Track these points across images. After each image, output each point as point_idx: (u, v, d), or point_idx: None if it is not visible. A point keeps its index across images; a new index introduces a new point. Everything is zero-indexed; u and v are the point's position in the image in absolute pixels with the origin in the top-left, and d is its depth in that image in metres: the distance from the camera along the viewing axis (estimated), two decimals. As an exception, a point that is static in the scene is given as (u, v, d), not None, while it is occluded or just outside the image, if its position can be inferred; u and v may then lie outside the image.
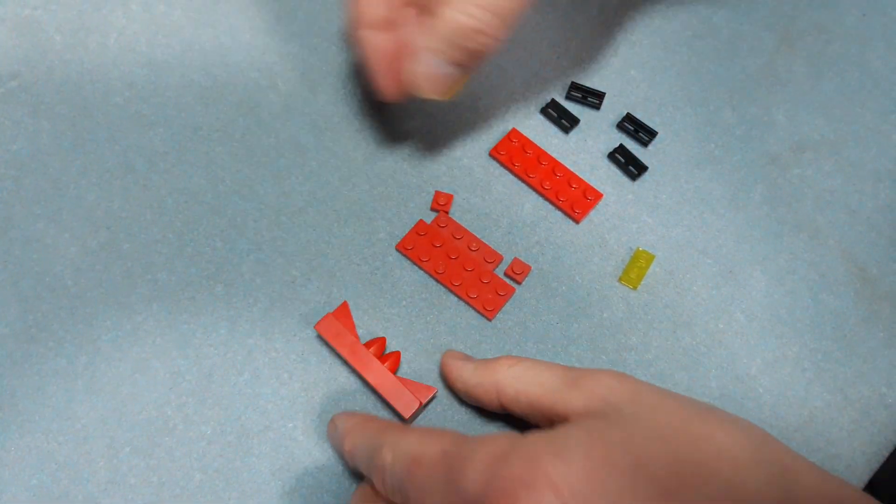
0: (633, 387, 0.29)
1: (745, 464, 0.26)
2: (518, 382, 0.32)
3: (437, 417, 0.36)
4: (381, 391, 0.35)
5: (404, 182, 0.41)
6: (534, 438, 0.26)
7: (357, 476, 0.34)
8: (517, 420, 0.35)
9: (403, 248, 0.39)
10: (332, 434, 0.33)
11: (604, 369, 0.30)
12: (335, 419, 0.33)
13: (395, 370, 0.36)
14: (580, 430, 0.27)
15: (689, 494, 0.25)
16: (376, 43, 0.34)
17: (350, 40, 0.35)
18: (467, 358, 0.35)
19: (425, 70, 0.33)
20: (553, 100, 0.42)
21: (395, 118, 0.42)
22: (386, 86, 0.36)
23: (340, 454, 0.33)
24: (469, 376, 0.34)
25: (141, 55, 0.43)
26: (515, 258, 0.39)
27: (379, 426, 0.31)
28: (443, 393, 0.36)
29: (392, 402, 0.34)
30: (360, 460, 0.31)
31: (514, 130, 0.41)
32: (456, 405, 0.36)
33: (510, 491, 0.24)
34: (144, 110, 0.42)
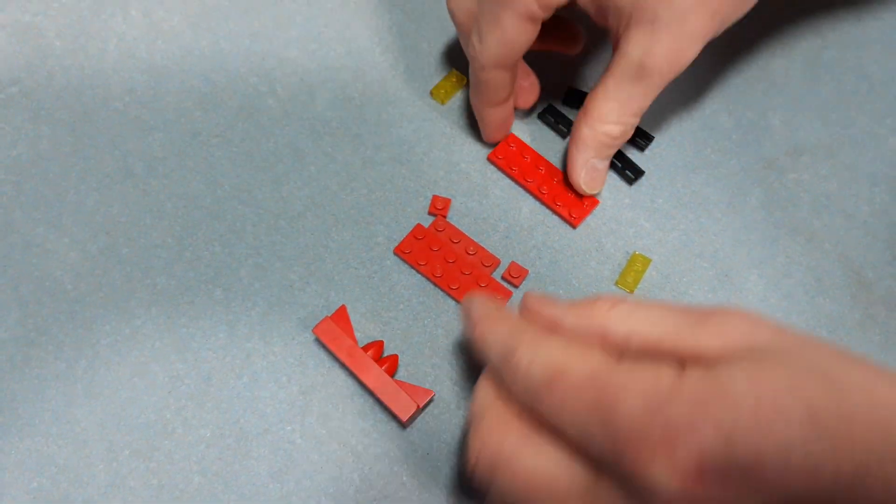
0: (769, 324, 0.26)
1: None
2: (629, 322, 0.28)
3: (435, 420, 0.36)
4: (378, 394, 0.35)
5: (402, 186, 0.41)
6: (697, 378, 0.23)
7: (356, 475, 0.35)
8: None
9: (401, 252, 0.39)
10: (465, 314, 0.32)
11: (726, 307, 0.27)
12: (469, 300, 0.32)
13: (392, 373, 0.36)
14: (744, 373, 0.23)
15: (861, 455, 0.22)
16: (499, 115, 0.40)
17: (477, 111, 0.40)
18: (554, 301, 0.31)
19: (587, 175, 0.39)
20: (550, 105, 0.43)
21: (394, 123, 0.42)
22: (495, 138, 0.41)
23: (466, 333, 0.32)
24: (567, 323, 0.29)
25: (140, 61, 0.44)
26: (513, 262, 0.39)
27: (516, 323, 0.29)
28: (441, 396, 0.36)
29: (390, 405, 0.35)
30: (491, 352, 0.29)
31: (511, 135, 0.41)
32: (453, 408, 0.36)
33: (671, 433, 0.22)
34: (144, 115, 0.42)
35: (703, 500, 0.22)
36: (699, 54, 0.35)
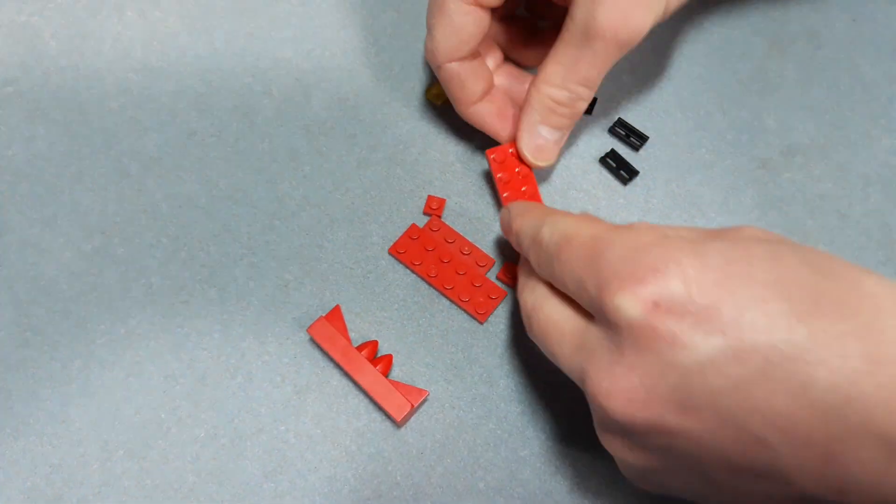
0: (779, 234, 0.28)
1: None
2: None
3: (430, 420, 0.36)
4: (373, 394, 0.35)
5: (397, 186, 0.41)
6: (679, 238, 0.26)
7: (350, 475, 0.35)
8: (521, 412, 0.36)
9: (396, 252, 0.39)
10: (504, 219, 0.35)
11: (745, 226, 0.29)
12: (509, 206, 0.35)
13: (387, 373, 0.36)
14: (726, 242, 0.26)
15: (822, 325, 0.23)
16: (487, 111, 0.39)
17: (462, 115, 0.39)
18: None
19: (530, 140, 0.38)
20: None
21: (388, 123, 0.42)
22: (504, 136, 0.39)
23: (508, 236, 0.35)
24: None
25: (136, 61, 0.44)
26: (507, 262, 0.39)
27: (545, 210, 0.33)
28: (435, 396, 0.36)
29: (384, 405, 0.35)
30: (524, 239, 0.33)
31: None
32: (447, 408, 0.36)
33: (640, 274, 0.25)
34: (139, 116, 0.42)
35: (661, 332, 0.25)
36: (662, 33, 0.36)
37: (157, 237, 0.39)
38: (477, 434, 0.36)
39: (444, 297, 0.38)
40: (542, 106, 0.37)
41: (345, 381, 0.36)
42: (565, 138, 0.39)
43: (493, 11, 0.37)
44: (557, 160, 0.40)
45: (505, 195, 0.39)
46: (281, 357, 0.37)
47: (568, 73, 0.35)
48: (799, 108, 0.44)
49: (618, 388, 0.26)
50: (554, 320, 0.30)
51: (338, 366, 0.36)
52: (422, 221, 0.40)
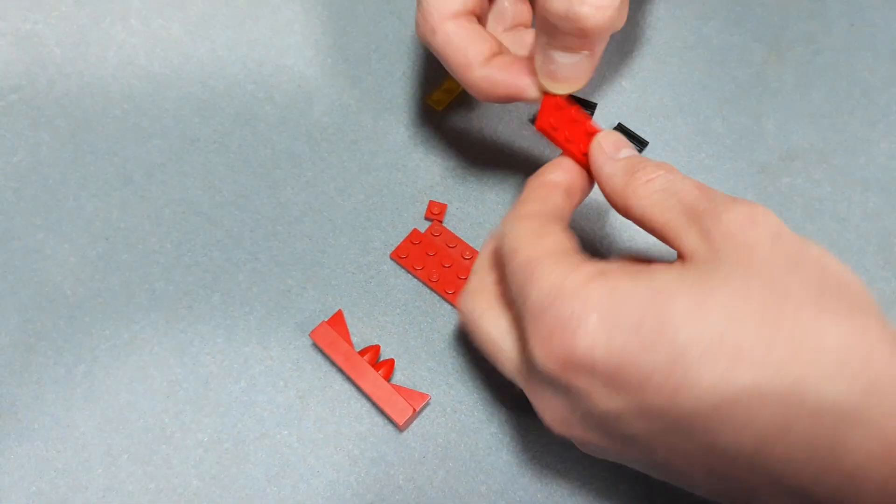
0: (761, 235, 0.25)
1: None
2: (650, 202, 0.28)
3: (432, 424, 0.36)
4: (375, 398, 0.35)
5: (399, 192, 0.41)
6: (601, 286, 0.25)
7: (353, 479, 0.35)
8: (522, 415, 0.36)
9: (398, 257, 0.39)
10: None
11: (742, 203, 0.26)
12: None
13: (389, 378, 0.36)
14: (653, 289, 0.25)
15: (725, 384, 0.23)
16: (495, 69, 0.33)
17: (468, 85, 0.34)
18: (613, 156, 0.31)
19: (543, 65, 0.31)
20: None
21: (390, 129, 0.43)
22: (532, 89, 0.33)
23: None
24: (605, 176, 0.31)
25: (139, 68, 0.44)
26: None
27: (528, 194, 0.32)
28: (437, 400, 0.37)
29: (386, 409, 0.35)
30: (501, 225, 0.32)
31: None
32: (450, 412, 0.36)
33: (552, 328, 0.25)
34: (143, 122, 0.43)
35: (574, 386, 0.25)
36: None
37: (160, 243, 0.40)
38: (479, 438, 0.36)
39: (445, 302, 0.39)
40: (546, 23, 0.30)
41: (347, 386, 0.37)
42: (588, 63, 0.31)
43: None
44: (587, 83, 0.33)
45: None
46: (284, 362, 0.37)
47: None
48: (798, 113, 0.44)
49: (549, 411, 0.28)
50: (493, 339, 0.30)
51: (340, 370, 0.37)
52: (423, 226, 0.40)
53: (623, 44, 0.46)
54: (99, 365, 0.37)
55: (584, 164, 0.32)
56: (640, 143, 0.42)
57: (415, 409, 0.35)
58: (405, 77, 0.44)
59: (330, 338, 0.36)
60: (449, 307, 0.38)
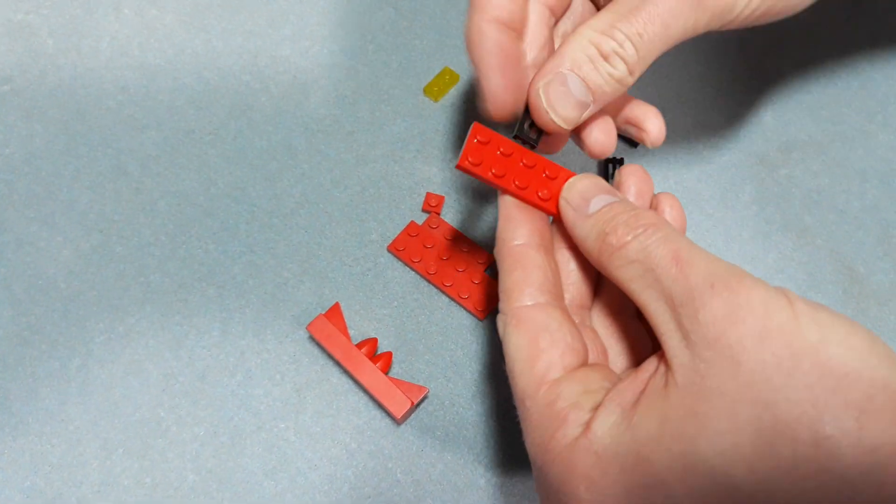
0: (744, 337, 0.22)
1: None
2: (635, 274, 0.26)
3: (430, 417, 0.36)
4: (372, 391, 0.35)
5: (395, 184, 0.41)
6: (571, 452, 0.24)
7: (350, 473, 0.35)
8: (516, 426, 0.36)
9: (395, 249, 0.39)
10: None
11: (721, 292, 0.23)
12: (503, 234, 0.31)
13: (386, 370, 0.36)
14: (635, 455, 0.23)
15: None
16: (498, 42, 0.29)
17: (468, 38, 0.29)
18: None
19: (555, 87, 0.29)
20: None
21: (387, 120, 0.42)
22: (496, 96, 0.29)
23: None
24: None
25: (133, 59, 0.44)
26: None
27: (504, 302, 0.29)
28: (435, 393, 0.36)
29: (384, 402, 0.35)
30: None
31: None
32: (447, 405, 0.36)
33: (544, 495, 0.25)
34: (137, 114, 0.42)
35: None
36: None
37: (155, 235, 0.39)
38: (477, 431, 0.36)
39: (443, 294, 0.38)
40: (581, 49, 0.28)
41: (344, 379, 0.36)
42: (591, 110, 0.29)
43: None
44: (564, 144, 0.33)
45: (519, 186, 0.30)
46: (280, 355, 0.37)
47: (619, 20, 0.28)
48: (796, 105, 0.44)
49: None
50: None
51: (337, 363, 0.36)
52: (421, 219, 0.40)
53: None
54: (93, 358, 0.37)
55: (543, 207, 0.29)
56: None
57: (413, 402, 0.35)
58: (402, 68, 0.44)
59: (327, 331, 0.36)
60: (446, 300, 0.38)
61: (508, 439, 0.35)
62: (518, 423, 0.35)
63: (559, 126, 0.29)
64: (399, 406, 0.34)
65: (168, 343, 0.37)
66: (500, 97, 0.29)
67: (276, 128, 0.42)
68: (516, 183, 0.29)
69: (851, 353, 0.21)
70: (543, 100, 0.29)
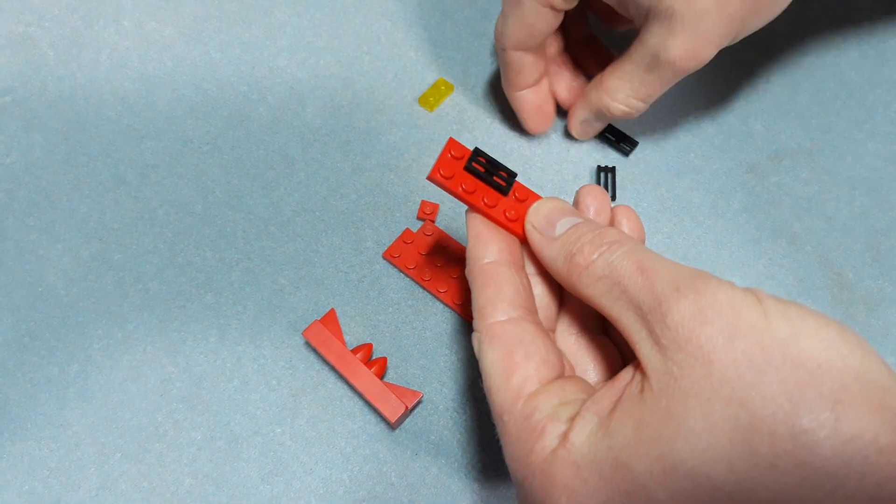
0: (714, 337, 0.22)
1: None
2: (601, 290, 0.26)
3: (424, 421, 0.36)
4: (368, 396, 0.35)
5: (391, 192, 0.41)
6: (551, 464, 0.24)
7: (346, 477, 0.35)
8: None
9: (390, 256, 0.39)
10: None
11: (687, 294, 0.23)
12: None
13: (381, 375, 0.36)
14: (612, 461, 0.23)
15: None
16: (529, 100, 0.41)
17: (508, 97, 0.42)
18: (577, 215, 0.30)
19: (581, 127, 0.42)
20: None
21: (382, 130, 0.43)
22: (534, 127, 0.42)
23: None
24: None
25: (133, 70, 0.44)
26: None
27: (477, 320, 0.29)
28: (429, 397, 0.37)
29: (379, 406, 0.35)
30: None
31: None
32: (441, 409, 0.36)
33: (529, 483, 0.25)
34: (136, 124, 0.43)
35: None
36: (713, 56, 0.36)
37: (153, 243, 0.40)
38: (471, 435, 0.36)
39: (437, 301, 0.39)
40: (599, 110, 0.40)
41: (340, 384, 0.37)
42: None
43: (565, 15, 0.38)
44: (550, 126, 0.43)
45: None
46: (276, 360, 0.37)
47: (632, 92, 0.38)
48: (786, 114, 0.44)
49: None
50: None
51: (333, 369, 0.37)
52: (416, 226, 0.40)
53: (612, 45, 0.46)
54: (92, 364, 0.37)
55: (509, 228, 0.30)
56: (630, 144, 0.42)
57: (407, 407, 0.35)
58: (397, 79, 0.45)
59: (323, 336, 0.36)
60: (441, 306, 0.39)
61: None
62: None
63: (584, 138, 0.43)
64: (394, 410, 0.35)
65: (166, 349, 0.37)
66: (537, 130, 0.43)
67: (273, 137, 0.43)
68: (485, 201, 0.30)
69: (822, 345, 0.21)
70: (577, 134, 0.43)
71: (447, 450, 0.36)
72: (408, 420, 0.36)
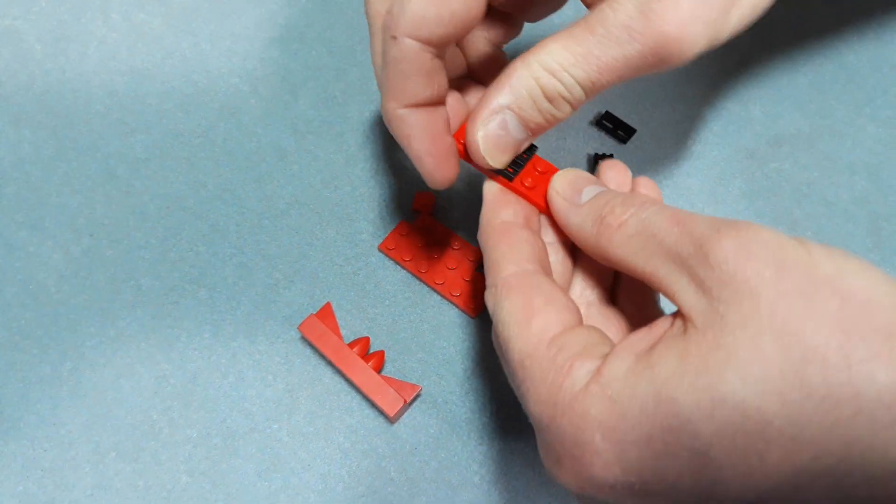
0: (760, 271, 0.21)
1: None
2: (632, 248, 0.25)
3: (423, 415, 0.36)
4: (365, 390, 0.35)
5: (386, 183, 0.41)
6: (584, 399, 0.23)
7: (344, 472, 0.35)
8: (513, 404, 0.36)
9: (386, 249, 0.39)
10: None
11: (728, 232, 0.22)
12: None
13: (379, 369, 0.36)
14: (654, 436, 0.22)
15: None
16: (420, 125, 0.29)
17: (386, 118, 0.29)
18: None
19: (494, 132, 0.28)
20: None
21: (376, 120, 0.42)
22: (434, 172, 0.29)
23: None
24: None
25: (121, 63, 0.44)
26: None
27: (490, 277, 0.28)
28: (428, 391, 0.36)
29: (377, 400, 0.35)
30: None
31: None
32: (440, 403, 0.36)
33: (562, 459, 0.24)
34: (126, 118, 0.42)
35: (598, 497, 0.24)
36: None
37: (145, 238, 0.39)
38: (470, 428, 0.36)
39: (435, 293, 0.38)
40: (526, 88, 0.27)
41: (337, 379, 0.36)
42: (523, 146, 0.30)
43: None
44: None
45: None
46: (272, 355, 0.37)
47: (577, 63, 0.27)
48: (784, 99, 0.44)
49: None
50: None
51: (329, 363, 0.36)
52: (411, 218, 0.40)
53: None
54: (85, 362, 0.36)
55: (528, 197, 0.30)
56: (627, 131, 0.42)
57: (405, 401, 0.35)
58: (390, 68, 0.44)
59: (318, 330, 0.36)
60: (438, 298, 0.38)
61: (502, 436, 0.35)
62: (511, 419, 0.36)
63: (495, 167, 0.29)
64: (392, 404, 0.34)
65: (159, 345, 0.37)
66: (437, 175, 0.29)
67: (266, 130, 0.42)
68: (509, 170, 0.30)
69: (870, 283, 0.21)
70: (482, 148, 0.29)
71: (446, 443, 0.35)
72: (406, 414, 0.36)
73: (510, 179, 0.30)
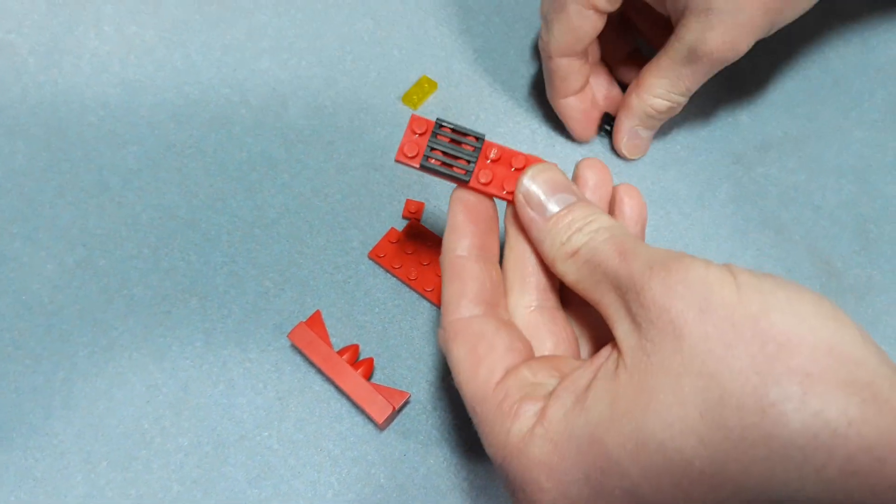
0: (685, 311, 0.22)
1: None
2: (582, 263, 0.27)
3: (412, 422, 0.36)
4: (354, 398, 0.35)
5: (375, 191, 0.41)
6: (528, 445, 0.25)
7: (334, 479, 0.35)
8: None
9: (376, 256, 0.39)
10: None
11: (660, 269, 0.23)
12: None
13: (368, 376, 0.36)
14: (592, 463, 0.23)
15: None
16: (575, 106, 0.41)
17: (554, 106, 0.42)
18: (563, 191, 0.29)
19: (631, 141, 0.41)
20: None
21: (366, 129, 0.43)
22: (582, 134, 0.42)
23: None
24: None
25: (114, 75, 0.44)
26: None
27: (444, 315, 0.30)
28: (417, 398, 0.37)
29: (366, 407, 0.35)
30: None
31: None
32: (430, 409, 0.36)
33: (511, 492, 0.26)
34: (118, 129, 0.43)
35: None
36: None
37: (138, 249, 0.40)
38: (459, 434, 0.36)
39: (424, 300, 0.39)
40: (643, 113, 0.39)
41: (327, 386, 0.37)
42: (651, 140, 0.42)
43: (608, 18, 0.38)
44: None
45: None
46: (262, 364, 0.37)
47: (672, 86, 0.38)
48: (772, 104, 0.44)
49: None
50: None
51: (319, 371, 0.36)
52: (401, 225, 0.40)
53: (596, 39, 0.46)
54: (77, 372, 0.37)
55: (490, 194, 0.30)
56: (608, 128, 0.42)
57: (394, 408, 0.35)
58: (380, 78, 0.44)
59: (308, 338, 0.36)
60: (428, 305, 0.38)
61: (491, 442, 0.35)
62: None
63: (635, 157, 0.42)
64: (381, 411, 0.35)
65: (151, 355, 0.37)
66: (585, 135, 0.42)
67: (256, 139, 0.42)
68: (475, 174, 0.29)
69: (794, 319, 0.21)
70: (628, 154, 0.42)
71: (436, 449, 0.35)
72: (396, 421, 0.36)
73: (466, 181, 0.29)
